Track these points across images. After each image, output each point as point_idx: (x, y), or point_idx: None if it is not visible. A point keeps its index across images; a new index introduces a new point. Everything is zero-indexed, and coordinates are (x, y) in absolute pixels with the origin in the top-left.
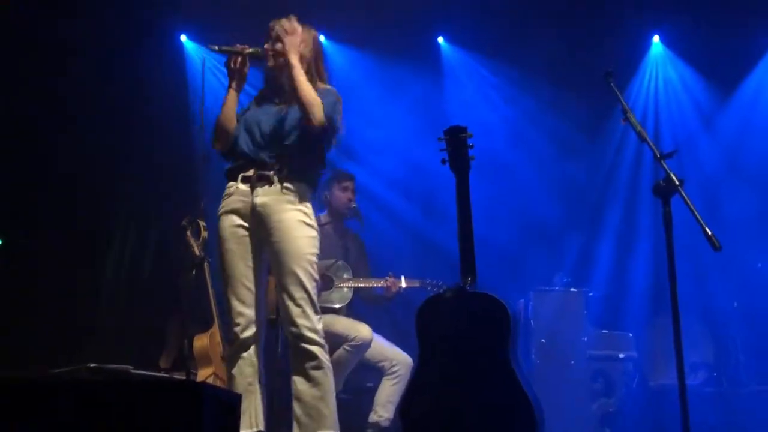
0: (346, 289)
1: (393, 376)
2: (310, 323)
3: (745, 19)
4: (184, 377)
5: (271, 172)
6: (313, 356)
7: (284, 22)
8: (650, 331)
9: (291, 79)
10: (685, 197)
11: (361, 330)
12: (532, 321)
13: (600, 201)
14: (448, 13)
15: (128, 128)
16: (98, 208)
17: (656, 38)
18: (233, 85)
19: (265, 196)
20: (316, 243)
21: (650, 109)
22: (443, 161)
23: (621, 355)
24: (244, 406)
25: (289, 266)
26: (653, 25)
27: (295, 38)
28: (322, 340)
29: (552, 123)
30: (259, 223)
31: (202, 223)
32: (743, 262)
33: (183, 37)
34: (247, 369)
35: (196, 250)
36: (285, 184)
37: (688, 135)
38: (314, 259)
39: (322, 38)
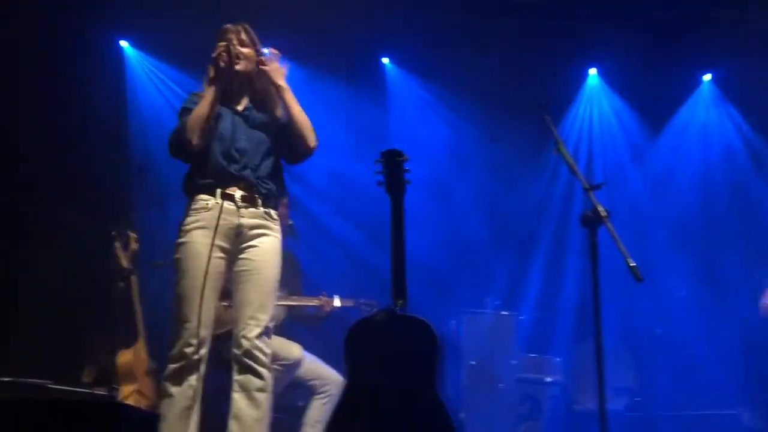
0: (278, 309)
1: (323, 395)
2: (266, 347)
3: (678, 57)
4: (105, 393)
5: (257, 195)
6: (261, 377)
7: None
8: (577, 356)
9: (285, 105)
10: (611, 229)
11: (292, 349)
12: (463, 343)
13: (533, 227)
14: (393, 35)
15: (61, 134)
16: (25, 215)
17: (593, 71)
18: (217, 84)
19: (251, 218)
20: (280, 267)
21: (584, 140)
22: (379, 183)
23: (548, 379)
24: (180, 428)
25: (258, 289)
26: (591, 58)
27: (275, 64)
28: (270, 364)
29: (490, 150)
30: (239, 243)
31: (132, 235)
32: (666, 290)
33: (123, 43)
34: (189, 391)
35: (124, 262)
36: (267, 209)
37: (619, 166)
38: (277, 283)
39: (266, 51)
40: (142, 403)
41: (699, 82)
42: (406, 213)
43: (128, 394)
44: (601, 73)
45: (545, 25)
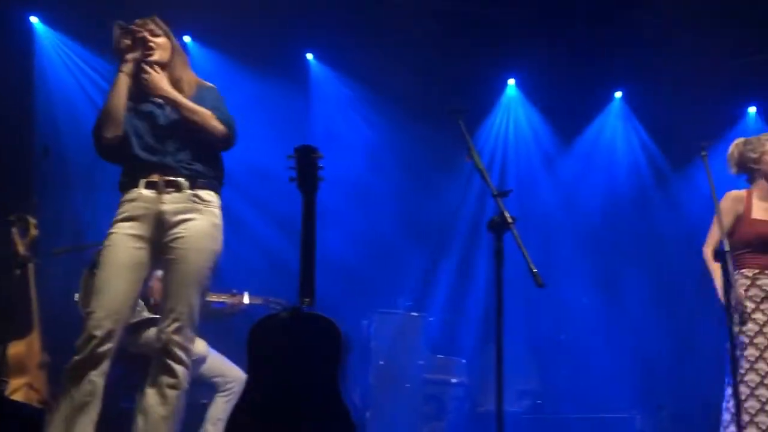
0: None
1: (227, 392)
2: (184, 341)
3: (592, 73)
4: None
5: (181, 179)
6: (175, 375)
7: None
8: (482, 358)
9: (180, 112)
10: (516, 235)
11: (197, 345)
12: (372, 343)
13: (446, 230)
14: (318, 31)
15: None
16: None
17: (512, 81)
18: (124, 68)
19: (174, 203)
20: (216, 258)
21: (500, 147)
22: (291, 179)
23: (453, 380)
24: (71, 425)
25: (181, 279)
26: (510, 69)
27: (161, 77)
28: (189, 362)
29: (408, 152)
30: (161, 232)
31: (32, 221)
32: (570, 297)
33: (33, 19)
34: (87, 386)
35: (21, 249)
36: (195, 192)
37: (531, 175)
38: (209, 274)
39: (187, 39)
40: (32, 398)
41: (611, 98)
42: (320, 211)
43: (18, 387)
44: (519, 84)
45: (469, 32)
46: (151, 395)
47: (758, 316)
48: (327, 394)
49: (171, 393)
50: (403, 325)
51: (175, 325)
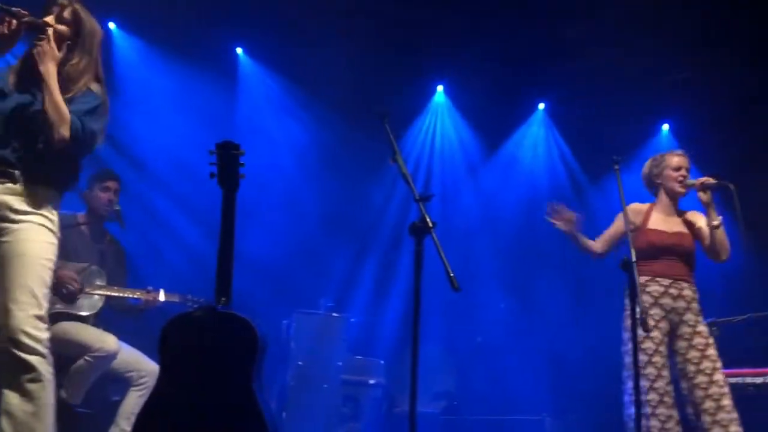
0: (96, 297)
1: (141, 387)
2: (34, 330)
3: (517, 84)
4: None
5: (17, 171)
6: (31, 368)
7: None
8: (400, 360)
9: (43, 92)
10: (435, 239)
11: (107, 341)
12: (292, 343)
13: (369, 232)
14: (250, 25)
15: None
16: None
17: (440, 88)
18: None
19: (5, 194)
20: (54, 250)
21: (425, 152)
22: (212, 175)
23: (371, 381)
24: None
25: (19, 269)
26: (440, 74)
27: (54, 51)
28: (44, 350)
29: (335, 152)
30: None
31: None
32: (489, 300)
33: (111, 25)
34: None
35: None
36: (30, 187)
37: (455, 181)
38: (50, 265)
39: (112, 25)
40: None
41: (534, 109)
42: (242, 209)
43: None
44: (447, 91)
45: (401, 36)
46: (11, 396)
47: (639, 332)
48: (240, 395)
49: (33, 387)
50: (324, 325)
51: (22, 315)
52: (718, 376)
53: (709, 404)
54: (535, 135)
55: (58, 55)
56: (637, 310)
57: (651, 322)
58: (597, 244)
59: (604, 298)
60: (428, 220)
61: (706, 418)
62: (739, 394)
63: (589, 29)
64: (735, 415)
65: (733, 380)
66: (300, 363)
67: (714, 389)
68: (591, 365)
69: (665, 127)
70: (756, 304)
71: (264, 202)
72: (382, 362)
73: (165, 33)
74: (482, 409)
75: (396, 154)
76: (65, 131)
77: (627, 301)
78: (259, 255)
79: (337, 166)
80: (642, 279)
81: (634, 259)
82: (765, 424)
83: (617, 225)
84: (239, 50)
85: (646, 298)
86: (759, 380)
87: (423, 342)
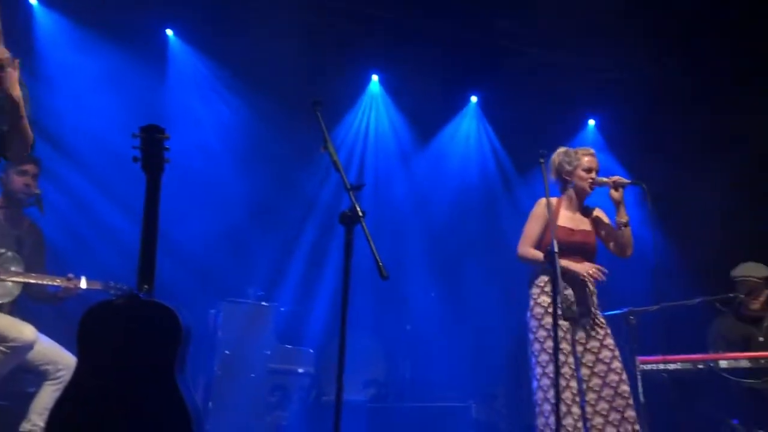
0: (11, 284)
1: (56, 381)
2: None
3: (451, 76)
4: None
5: None
6: None
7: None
8: (330, 349)
9: (15, 116)
10: (365, 228)
11: (24, 330)
12: (219, 332)
13: (301, 221)
14: (180, 5)
15: None
16: None
17: (375, 77)
18: None
19: None
20: None
21: (359, 142)
22: (135, 159)
23: (300, 370)
24: None
25: None
26: (375, 64)
27: (14, 72)
28: None
29: (266, 140)
30: None
31: None
32: (418, 289)
33: (168, 32)
34: None
35: None
36: None
37: (388, 171)
38: None
39: (33, 1)
40: None
41: (467, 101)
42: (169, 195)
43: None
44: (382, 81)
45: (337, 24)
46: None
47: (548, 320)
48: (162, 385)
49: None
50: (252, 314)
51: None
52: (616, 364)
53: (607, 392)
54: (467, 127)
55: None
56: (558, 299)
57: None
58: (536, 252)
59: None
60: (358, 209)
61: (604, 405)
62: (652, 379)
63: (523, 25)
64: (631, 401)
65: (647, 367)
66: (227, 352)
67: (612, 377)
68: (516, 353)
69: (591, 122)
70: (671, 295)
71: (191, 189)
72: (312, 351)
73: (91, 10)
74: (410, 396)
75: (327, 143)
76: (27, 150)
77: (532, 290)
78: (185, 242)
79: (268, 154)
80: (547, 275)
81: (556, 249)
82: (674, 408)
83: (537, 220)
84: (169, 32)
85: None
86: (670, 366)
87: (353, 331)
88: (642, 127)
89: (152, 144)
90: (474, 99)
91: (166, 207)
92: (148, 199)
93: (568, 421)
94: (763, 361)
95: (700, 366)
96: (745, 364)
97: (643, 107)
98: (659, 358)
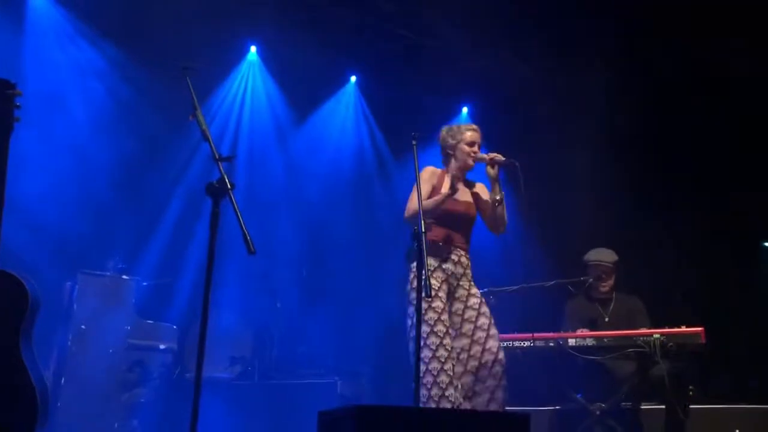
0: None
1: None
2: None
3: (332, 53)
4: None
5: None
6: None
7: None
8: (196, 325)
9: None
10: (233, 200)
11: None
12: (75, 305)
13: (168, 192)
14: None
15: None
16: None
17: (253, 48)
18: None
19: None
20: None
21: (234, 112)
22: None
23: (162, 346)
24: None
25: None
26: (254, 35)
27: None
28: None
29: (135, 106)
30: None
31: None
32: (289, 266)
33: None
34: None
35: None
36: None
37: (263, 145)
38: None
39: None
40: None
41: (347, 80)
42: (20, 158)
43: None
44: (260, 52)
45: None
46: None
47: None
48: (4, 357)
49: None
50: (111, 288)
51: None
52: (493, 331)
53: (487, 357)
54: (345, 106)
55: None
56: (423, 277)
57: (435, 284)
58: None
59: (398, 265)
60: (227, 180)
61: (479, 385)
62: (509, 355)
63: (402, 7)
64: (504, 382)
65: (504, 344)
66: (83, 327)
67: (487, 357)
68: (383, 332)
69: (464, 109)
70: (527, 275)
71: (48, 151)
72: (175, 327)
73: None
74: (276, 373)
75: (196, 110)
76: None
77: (411, 264)
78: (39, 210)
79: (134, 119)
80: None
81: (423, 230)
82: (528, 382)
83: (423, 184)
84: None
85: (430, 261)
86: (525, 344)
87: (221, 308)
88: (512, 116)
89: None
90: (353, 79)
91: (17, 169)
92: None
93: (450, 392)
94: (606, 340)
95: (551, 344)
96: (590, 342)
97: (514, 97)
98: (515, 335)
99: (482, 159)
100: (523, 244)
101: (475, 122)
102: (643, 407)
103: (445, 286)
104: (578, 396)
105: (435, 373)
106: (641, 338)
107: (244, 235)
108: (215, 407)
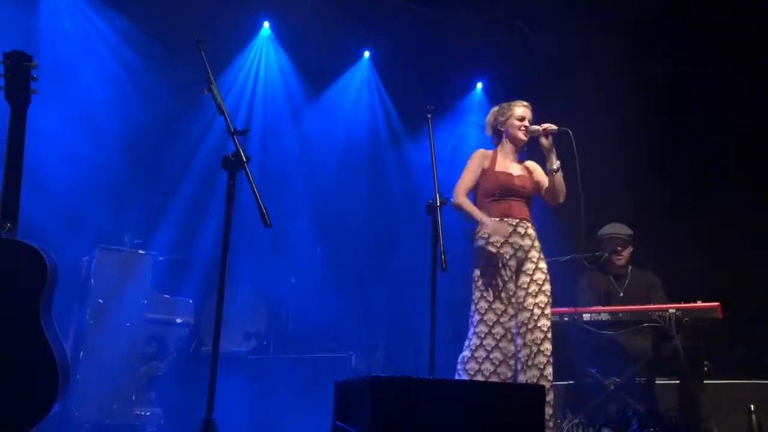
0: None
1: None
2: None
3: (346, 29)
4: None
5: None
6: None
7: None
8: (211, 299)
9: None
10: (249, 174)
11: None
12: (92, 279)
13: (183, 166)
14: None
15: None
16: None
17: (266, 24)
18: None
19: None
20: None
21: (248, 87)
22: None
23: (178, 320)
24: None
25: None
26: (265, 10)
27: None
28: None
29: (149, 79)
30: None
31: None
32: (305, 244)
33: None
34: None
35: None
36: None
37: (277, 120)
38: None
39: None
40: None
41: (360, 56)
42: (39, 132)
43: None
44: (273, 27)
45: None
46: None
47: (490, 270)
48: (26, 328)
49: None
50: (129, 262)
51: None
52: (549, 310)
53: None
54: (359, 82)
55: None
56: (439, 251)
57: (503, 260)
58: (469, 204)
59: (412, 241)
60: (242, 153)
61: (525, 352)
62: None
63: None
64: (552, 359)
65: None
66: (100, 301)
67: (537, 334)
68: (396, 304)
69: (479, 85)
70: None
71: (65, 127)
72: (191, 301)
73: None
74: (291, 347)
75: (211, 84)
76: None
77: (476, 271)
78: (56, 183)
79: (149, 94)
80: (492, 219)
81: (438, 203)
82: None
83: (471, 171)
84: None
85: (497, 238)
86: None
87: (235, 282)
88: (529, 91)
89: (18, 72)
90: (367, 54)
91: (33, 141)
92: (12, 130)
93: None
94: (621, 315)
95: (566, 318)
96: (605, 317)
97: (530, 72)
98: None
99: (535, 131)
100: (538, 219)
101: (488, 97)
102: (657, 382)
103: (513, 262)
104: (593, 371)
105: (489, 349)
106: (656, 313)
107: (260, 208)
108: (231, 381)
